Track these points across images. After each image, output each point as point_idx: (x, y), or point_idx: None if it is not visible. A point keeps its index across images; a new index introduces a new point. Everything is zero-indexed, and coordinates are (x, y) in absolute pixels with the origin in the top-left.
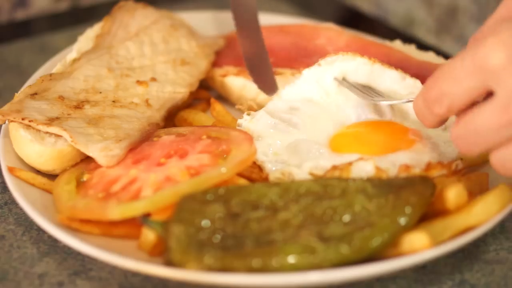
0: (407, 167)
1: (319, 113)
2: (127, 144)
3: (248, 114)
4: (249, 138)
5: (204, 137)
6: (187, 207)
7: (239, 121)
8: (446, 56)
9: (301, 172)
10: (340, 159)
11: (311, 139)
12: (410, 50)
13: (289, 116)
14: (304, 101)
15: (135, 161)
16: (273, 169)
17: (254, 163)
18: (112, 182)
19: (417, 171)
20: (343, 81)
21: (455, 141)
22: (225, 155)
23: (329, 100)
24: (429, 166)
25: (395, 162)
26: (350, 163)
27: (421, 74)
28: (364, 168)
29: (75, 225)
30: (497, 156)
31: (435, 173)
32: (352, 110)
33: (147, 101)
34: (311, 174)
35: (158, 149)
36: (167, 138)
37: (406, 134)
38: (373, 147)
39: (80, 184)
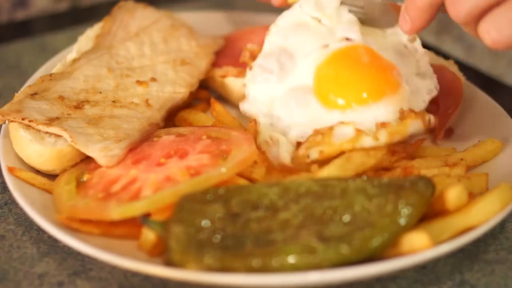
0: (383, 124)
1: (307, 39)
2: (127, 144)
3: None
4: (249, 138)
5: (204, 137)
6: (187, 207)
7: (245, 81)
8: (446, 56)
9: (286, 142)
10: (324, 119)
11: (301, 86)
12: None
13: (281, 58)
14: (295, 28)
15: (135, 161)
16: (264, 123)
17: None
18: (112, 182)
19: (394, 125)
20: None
21: (449, 4)
22: (225, 155)
23: (321, 25)
24: (402, 115)
25: (373, 120)
26: (331, 128)
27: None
28: (344, 132)
29: (75, 225)
30: (487, 19)
31: (409, 122)
32: (340, 31)
33: (147, 101)
34: (297, 142)
35: (158, 149)
36: (167, 138)
37: (392, 73)
38: (359, 98)
39: (80, 184)
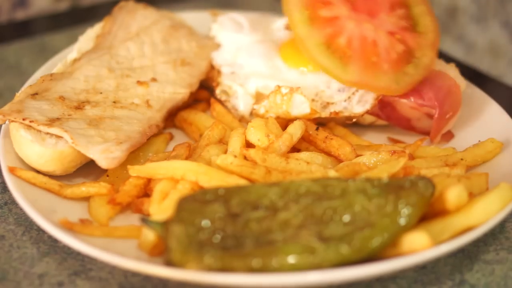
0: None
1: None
2: (128, 146)
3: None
4: None
5: None
6: (187, 207)
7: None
8: (447, 58)
9: (244, 93)
10: (283, 74)
11: (268, 41)
12: None
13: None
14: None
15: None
16: (226, 73)
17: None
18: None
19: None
20: None
21: None
22: None
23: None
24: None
25: (325, 85)
26: (291, 92)
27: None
28: (302, 103)
29: (76, 228)
30: None
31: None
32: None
33: (147, 101)
34: (257, 93)
35: None
36: None
37: None
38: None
39: None
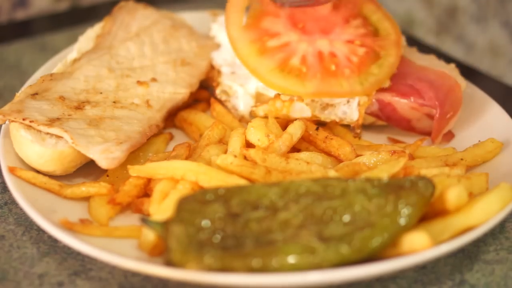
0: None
1: None
2: (128, 146)
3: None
4: None
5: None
6: (187, 207)
7: (213, 29)
8: (447, 58)
9: (244, 93)
10: None
11: None
12: (412, 53)
13: None
14: None
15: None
16: (226, 73)
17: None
18: None
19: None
20: None
21: None
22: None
23: None
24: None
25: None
26: (292, 100)
27: (422, 78)
28: (303, 110)
29: (76, 228)
30: None
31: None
32: None
33: (147, 101)
34: (257, 93)
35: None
36: None
37: None
38: None
39: None
